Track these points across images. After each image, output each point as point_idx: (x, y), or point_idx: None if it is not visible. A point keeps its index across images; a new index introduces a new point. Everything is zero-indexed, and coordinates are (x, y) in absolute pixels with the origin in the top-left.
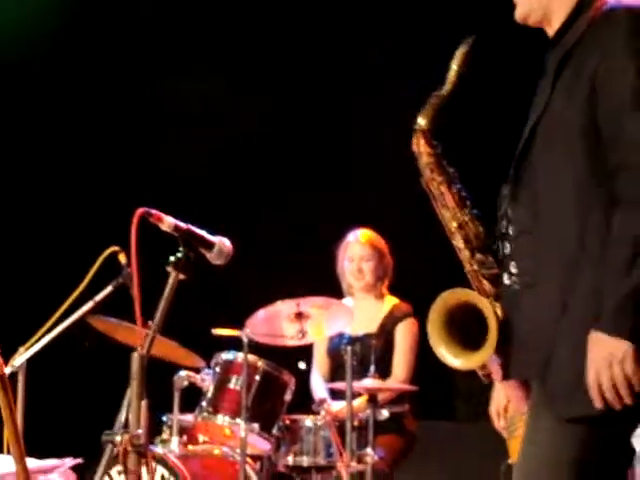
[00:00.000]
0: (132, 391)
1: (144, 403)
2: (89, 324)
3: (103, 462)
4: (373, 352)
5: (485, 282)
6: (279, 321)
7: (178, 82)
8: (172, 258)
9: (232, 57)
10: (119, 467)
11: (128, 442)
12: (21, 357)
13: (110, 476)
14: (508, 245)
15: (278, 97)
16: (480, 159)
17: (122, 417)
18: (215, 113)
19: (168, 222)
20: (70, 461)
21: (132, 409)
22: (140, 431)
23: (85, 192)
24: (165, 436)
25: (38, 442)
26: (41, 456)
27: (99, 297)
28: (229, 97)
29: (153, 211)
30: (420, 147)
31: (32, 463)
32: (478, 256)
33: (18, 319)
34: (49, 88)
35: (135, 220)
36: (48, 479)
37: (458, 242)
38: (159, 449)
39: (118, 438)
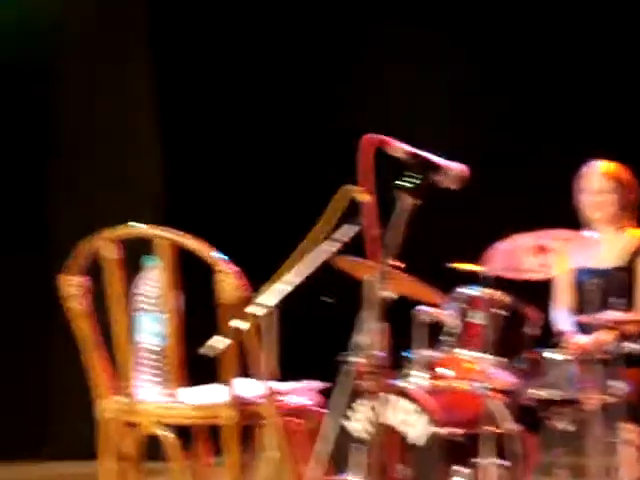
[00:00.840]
0: (367, 313)
1: (381, 326)
2: (334, 265)
3: (341, 383)
4: (617, 285)
5: None
6: (519, 255)
7: None
8: (405, 183)
9: None
10: (363, 401)
11: (365, 362)
12: (268, 299)
13: (354, 410)
14: None
15: None
16: None
17: (358, 339)
18: None
19: (398, 147)
20: (314, 384)
21: (370, 332)
22: (378, 352)
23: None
24: (409, 371)
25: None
26: (293, 379)
27: (341, 236)
28: None
29: (381, 137)
30: None
31: (279, 385)
32: None
33: (266, 262)
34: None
35: (364, 147)
36: (293, 399)
37: None
38: (404, 383)
39: (354, 359)
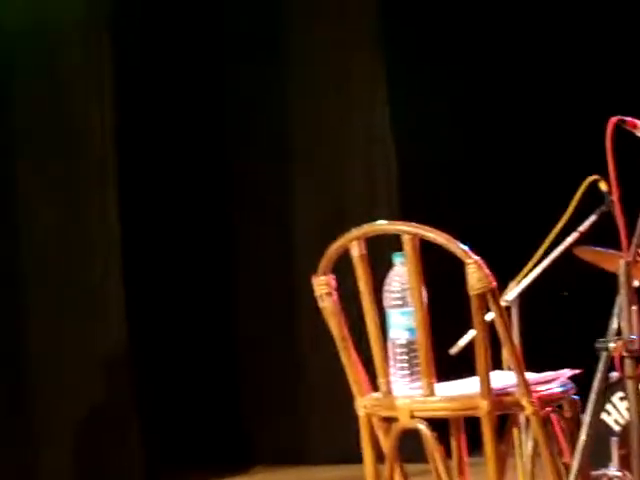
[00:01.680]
0: (622, 298)
1: (635, 309)
2: (575, 255)
3: (599, 370)
4: None
5: None
6: None
7: None
8: None
9: None
10: (620, 394)
11: (622, 348)
12: (512, 292)
13: (612, 403)
14: None
15: None
16: None
17: (614, 325)
18: None
19: None
20: (568, 372)
21: (623, 316)
22: (634, 337)
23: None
24: None
25: (536, 359)
26: (540, 370)
27: (583, 227)
28: None
29: (627, 118)
30: None
31: (531, 376)
32: None
33: (505, 255)
34: None
35: (609, 130)
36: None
37: None
38: None
39: (612, 345)
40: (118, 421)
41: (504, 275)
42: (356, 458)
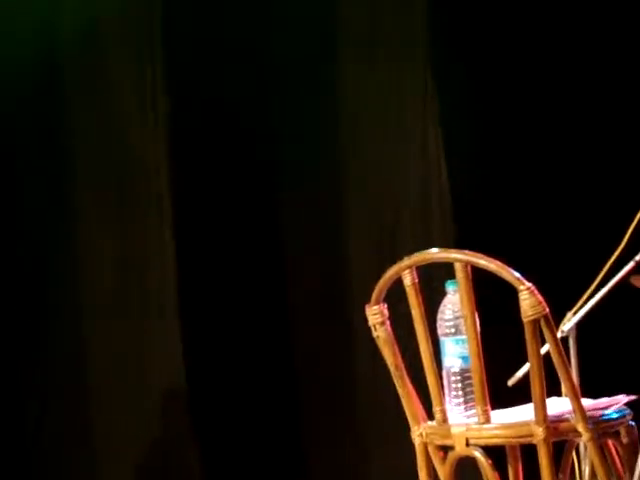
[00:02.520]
0: None
1: None
2: (632, 284)
3: None
4: None
5: None
6: None
7: None
8: None
9: None
10: None
11: None
12: (569, 322)
13: None
14: None
15: None
16: None
17: None
18: None
19: None
20: (624, 397)
21: None
22: None
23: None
24: None
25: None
26: (596, 396)
27: (639, 256)
28: None
29: None
30: None
31: (587, 402)
32: None
33: (562, 285)
34: None
35: None
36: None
37: None
38: None
39: None
40: (178, 451)
41: (561, 306)
42: None
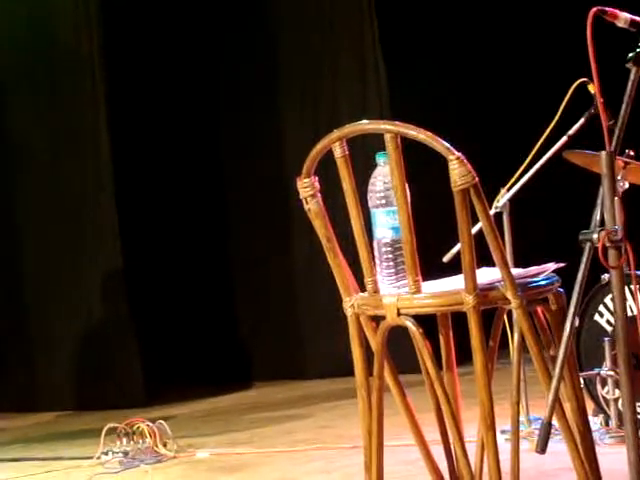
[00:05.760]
0: (604, 189)
1: (617, 200)
2: (565, 159)
3: (583, 261)
4: None
5: None
6: None
7: None
8: (631, 54)
9: None
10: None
11: (605, 239)
12: (503, 198)
13: (604, 304)
14: None
15: None
16: None
17: (597, 216)
18: None
19: (624, 17)
20: (553, 265)
21: (606, 207)
22: (616, 227)
23: None
24: None
25: (525, 259)
26: (525, 265)
27: (572, 131)
28: None
29: (607, 9)
30: None
31: (516, 271)
32: None
33: (496, 161)
34: None
35: (589, 20)
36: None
37: None
38: None
39: (595, 236)
40: (117, 342)
41: (495, 182)
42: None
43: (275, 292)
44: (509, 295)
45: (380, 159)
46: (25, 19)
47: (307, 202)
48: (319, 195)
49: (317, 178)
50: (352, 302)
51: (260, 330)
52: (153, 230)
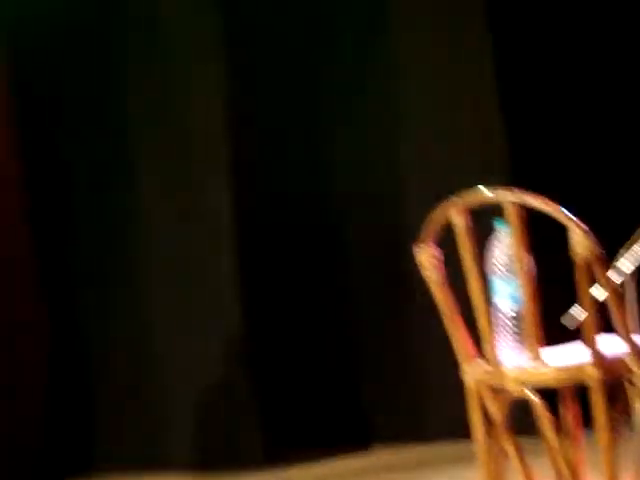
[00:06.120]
0: None
1: None
2: None
3: None
4: None
5: None
6: None
7: None
8: None
9: None
10: None
11: None
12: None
13: None
14: None
15: None
16: None
17: None
18: None
19: None
20: None
21: None
22: None
23: None
24: None
25: None
26: None
27: None
28: None
29: None
30: None
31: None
32: None
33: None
34: None
35: None
36: None
37: None
38: None
39: None
40: (236, 405)
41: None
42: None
43: (392, 353)
44: (635, 367)
45: (499, 226)
46: None
47: (425, 269)
48: (439, 263)
49: (436, 245)
50: (472, 371)
51: (380, 392)
52: (272, 293)
